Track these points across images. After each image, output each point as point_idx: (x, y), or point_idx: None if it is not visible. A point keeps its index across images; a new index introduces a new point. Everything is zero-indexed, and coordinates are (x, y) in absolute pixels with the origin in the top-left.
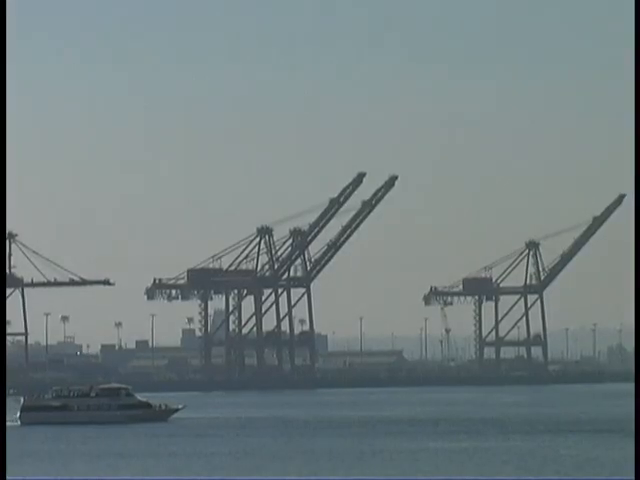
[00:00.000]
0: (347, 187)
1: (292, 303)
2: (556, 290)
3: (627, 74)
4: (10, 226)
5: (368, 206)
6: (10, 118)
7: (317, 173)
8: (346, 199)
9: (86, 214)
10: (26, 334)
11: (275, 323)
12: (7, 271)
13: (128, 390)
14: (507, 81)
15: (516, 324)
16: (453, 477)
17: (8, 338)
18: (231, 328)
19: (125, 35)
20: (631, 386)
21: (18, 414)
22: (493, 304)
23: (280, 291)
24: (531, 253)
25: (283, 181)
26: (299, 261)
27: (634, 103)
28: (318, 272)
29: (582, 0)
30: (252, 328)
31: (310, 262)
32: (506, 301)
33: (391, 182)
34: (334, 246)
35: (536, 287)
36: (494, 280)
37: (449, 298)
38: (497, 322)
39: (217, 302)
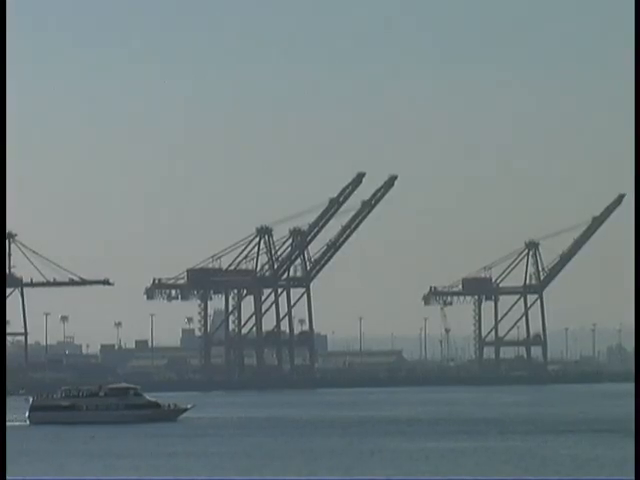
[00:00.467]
0: (347, 187)
1: (292, 303)
2: (556, 290)
3: (627, 74)
4: (10, 226)
5: (368, 206)
6: (10, 118)
7: (317, 173)
8: (346, 199)
9: (86, 214)
10: (26, 334)
11: (275, 323)
12: (7, 271)
13: (137, 390)
14: (507, 81)
15: (516, 324)
16: (453, 477)
17: (8, 338)
18: (231, 328)
19: (125, 35)
20: (631, 386)
21: (27, 414)
22: (493, 304)
23: (280, 291)
24: (531, 253)
25: (283, 181)
26: (299, 261)
27: (634, 103)
28: (318, 272)
29: (581, 0)
30: (252, 328)
31: (310, 262)
32: (506, 301)
33: (391, 182)
34: (334, 246)
35: (536, 287)
36: (494, 280)
37: (449, 298)
38: (497, 322)
39: (217, 302)
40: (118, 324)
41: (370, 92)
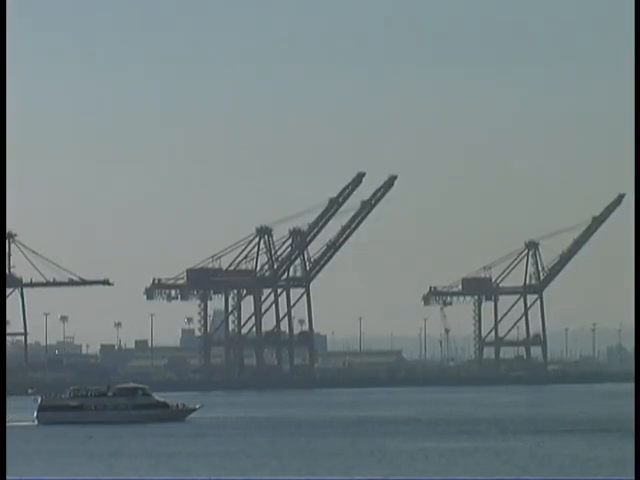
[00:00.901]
0: (346, 187)
1: (291, 303)
2: (556, 290)
3: (627, 74)
4: (9, 226)
5: (367, 206)
6: (10, 118)
7: (317, 173)
8: (345, 199)
9: (86, 214)
10: (25, 334)
11: (274, 323)
12: (6, 271)
13: (145, 390)
14: (507, 81)
15: (515, 324)
16: (453, 477)
17: (8, 338)
18: (230, 328)
19: (125, 36)
20: (631, 386)
21: (35, 414)
22: (492, 304)
23: (279, 291)
24: (530, 253)
25: (282, 181)
26: (298, 261)
27: (634, 103)
28: (317, 272)
29: (581, 0)
30: (251, 328)
31: (309, 262)
32: (505, 301)
33: (390, 182)
34: (333, 246)
35: (535, 287)
36: (493, 280)
37: (448, 298)
38: (496, 322)
39: (216, 302)
40: (118, 324)
41: (370, 92)
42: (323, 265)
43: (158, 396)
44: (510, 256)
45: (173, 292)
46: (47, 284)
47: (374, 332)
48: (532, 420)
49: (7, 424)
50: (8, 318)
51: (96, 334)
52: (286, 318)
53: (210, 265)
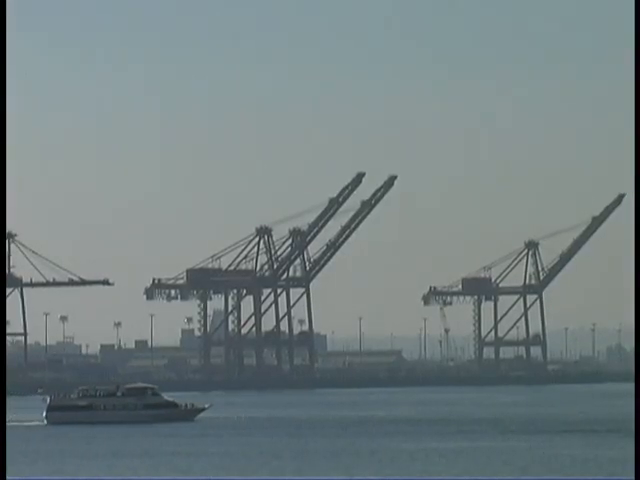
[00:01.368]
0: (346, 187)
1: (291, 303)
2: (555, 290)
3: (627, 74)
4: (9, 226)
5: (367, 206)
6: (10, 118)
7: (316, 173)
8: (345, 199)
9: (86, 214)
10: (25, 334)
11: (274, 323)
12: (6, 271)
13: (154, 390)
14: (507, 81)
15: (515, 324)
16: (453, 477)
17: (7, 338)
18: (230, 328)
19: (124, 36)
20: (630, 386)
21: (44, 413)
22: (492, 304)
23: (279, 291)
24: (530, 253)
25: (282, 181)
26: (298, 261)
27: (634, 103)
28: (317, 272)
29: (581, 0)
30: (251, 328)
31: (309, 262)
32: (505, 301)
33: (390, 182)
34: (333, 246)
35: (535, 287)
36: (493, 280)
37: (448, 298)
38: (496, 322)
39: (216, 302)
40: (118, 324)
41: (370, 92)
42: (323, 265)
43: None
44: (510, 256)
45: (173, 292)
46: (47, 284)
47: (374, 332)
48: (532, 420)
49: (16, 424)
50: (8, 318)
51: (96, 334)
52: (286, 318)
53: (210, 265)
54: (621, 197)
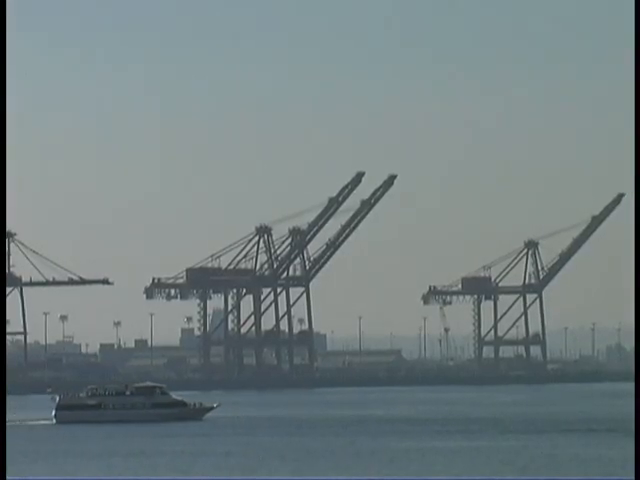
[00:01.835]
0: (346, 186)
1: (291, 302)
2: (555, 289)
3: (627, 74)
4: (9, 225)
5: (367, 205)
6: (10, 118)
7: (316, 172)
8: (345, 198)
9: (85, 214)
10: (25, 333)
11: (274, 322)
12: (6, 270)
13: (163, 389)
14: (507, 81)
15: (515, 323)
16: (452, 477)
17: (7, 337)
18: (230, 327)
19: (124, 36)
20: (630, 385)
21: (53, 412)
22: (492, 303)
23: (279, 290)
24: (530, 252)
25: (282, 180)
26: (298, 260)
27: (634, 103)
28: (317, 271)
29: (582, 0)
30: (251, 327)
31: (309, 261)
32: (505, 300)
33: (390, 181)
34: (333, 245)
35: (535, 286)
36: (493, 279)
37: (448, 297)
38: (496, 321)
39: (216, 301)
40: (117, 323)
41: (370, 92)
42: (323, 264)
43: None
44: (510, 255)
45: (173, 291)
46: (47, 283)
47: (373, 331)
48: (532, 419)
49: (25, 423)
50: (8, 317)
51: (96, 333)
52: (286, 317)
53: (209, 264)
54: (620, 197)
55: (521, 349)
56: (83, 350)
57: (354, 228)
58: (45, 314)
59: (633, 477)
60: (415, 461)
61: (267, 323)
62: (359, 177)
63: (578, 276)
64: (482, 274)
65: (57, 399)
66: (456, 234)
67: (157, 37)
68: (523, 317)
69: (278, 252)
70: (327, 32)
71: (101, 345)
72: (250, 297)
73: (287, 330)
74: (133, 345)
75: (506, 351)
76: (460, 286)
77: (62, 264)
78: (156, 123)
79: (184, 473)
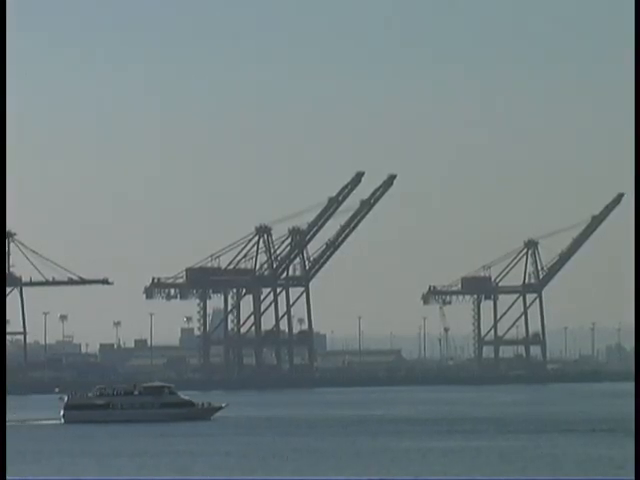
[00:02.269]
0: (346, 186)
1: (291, 302)
2: (555, 289)
3: (627, 73)
4: (9, 225)
5: (367, 205)
6: (10, 117)
7: (316, 172)
8: (345, 198)
9: (85, 213)
10: (25, 333)
11: (274, 322)
12: (6, 270)
13: (171, 389)
14: (507, 81)
15: (515, 323)
16: (452, 477)
17: (7, 337)
18: (230, 327)
19: (124, 36)
20: (630, 385)
21: (62, 412)
22: (492, 303)
23: (279, 290)
24: (530, 252)
25: (282, 180)
26: (298, 260)
27: (634, 103)
28: (317, 271)
29: (582, 0)
30: (251, 327)
31: (309, 261)
32: (505, 300)
33: (390, 181)
34: (333, 245)
35: (535, 286)
36: (493, 279)
37: (448, 297)
38: (496, 321)
39: (216, 301)
40: (117, 323)
41: (370, 92)
42: (322, 264)
43: None
44: (509, 255)
45: (172, 291)
46: (46, 283)
47: (373, 331)
48: (532, 419)
49: (33, 423)
50: (7, 317)
51: (95, 333)
52: (285, 317)
53: (209, 264)
54: (620, 196)
55: (521, 349)
56: (83, 350)
57: (354, 228)
58: (45, 314)
59: (633, 477)
60: (415, 461)
61: (267, 323)
62: (359, 177)
63: (578, 276)
64: (482, 274)
65: (65, 399)
66: (456, 234)
67: (157, 37)
68: (523, 317)
69: (278, 252)
70: (327, 32)
71: (101, 345)
72: (250, 297)
73: (287, 330)
74: (133, 345)
75: (506, 351)
76: (460, 286)
77: (62, 264)
78: (156, 123)
79: (185, 473)
